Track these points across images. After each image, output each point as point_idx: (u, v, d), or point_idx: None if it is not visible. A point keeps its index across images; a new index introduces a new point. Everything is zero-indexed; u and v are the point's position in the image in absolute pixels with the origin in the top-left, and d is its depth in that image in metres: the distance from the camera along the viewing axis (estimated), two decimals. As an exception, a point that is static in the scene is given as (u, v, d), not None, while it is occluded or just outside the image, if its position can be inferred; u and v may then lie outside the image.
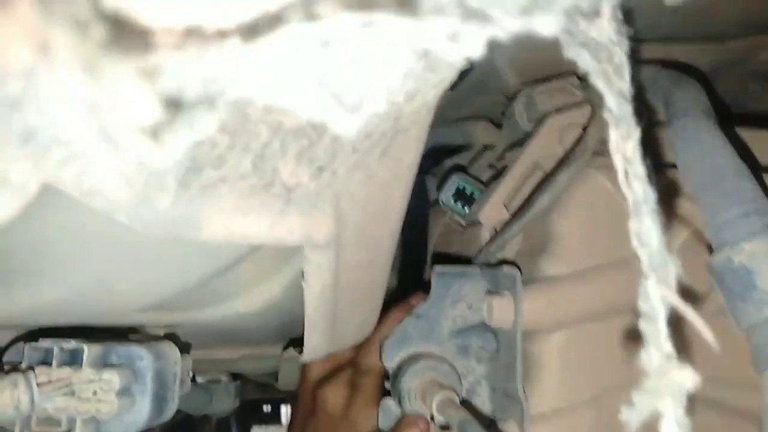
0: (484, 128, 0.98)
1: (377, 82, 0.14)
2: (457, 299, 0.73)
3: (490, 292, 0.71)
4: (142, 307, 0.45)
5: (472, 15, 0.14)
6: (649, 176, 0.22)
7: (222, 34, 0.12)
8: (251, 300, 0.49)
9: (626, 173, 0.22)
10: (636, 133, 0.22)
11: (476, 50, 0.14)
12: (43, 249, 0.36)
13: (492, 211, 0.77)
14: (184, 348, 0.52)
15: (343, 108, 0.14)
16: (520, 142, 0.85)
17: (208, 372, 1.03)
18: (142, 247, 0.34)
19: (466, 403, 0.67)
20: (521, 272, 0.69)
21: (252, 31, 0.12)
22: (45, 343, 0.44)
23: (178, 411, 0.50)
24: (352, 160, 0.34)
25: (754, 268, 0.37)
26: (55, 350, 0.44)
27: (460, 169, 0.96)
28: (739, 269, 0.37)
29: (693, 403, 0.21)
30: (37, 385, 0.42)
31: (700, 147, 0.47)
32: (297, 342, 0.70)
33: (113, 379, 0.43)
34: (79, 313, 0.43)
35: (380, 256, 0.48)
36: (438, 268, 0.72)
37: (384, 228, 0.46)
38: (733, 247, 0.38)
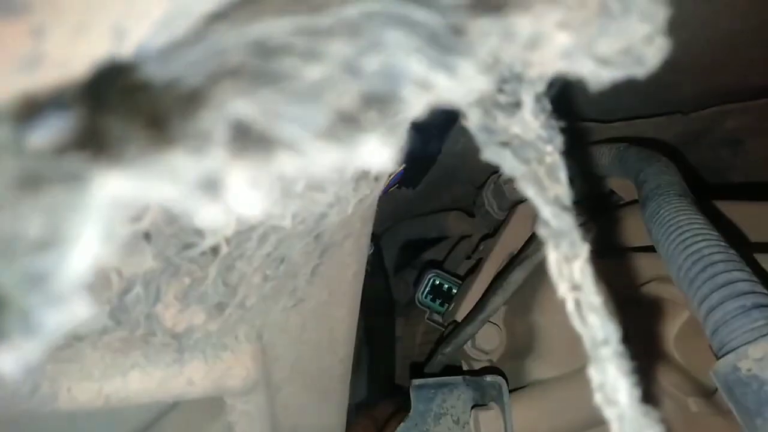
0: (456, 218, 0.94)
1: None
2: (440, 414, 0.65)
3: (476, 405, 0.63)
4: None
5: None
6: (607, 305, 0.16)
7: None
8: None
9: (577, 304, 0.17)
10: (583, 251, 0.17)
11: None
12: None
13: (469, 309, 0.71)
14: None
15: None
16: (495, 231, 0.81)
17: None
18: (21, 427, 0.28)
19: None
20: (506, 378, 0.61)
21: None
22: None
23: None
24: (266, 288, 0.29)
25: (766, 378, 0.30)
26: None
27: (436, 264, 0.91)
28: (749, 380, 0.31)
29: None
30: None
31: (680, 231, 0.42)
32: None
33: None
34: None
35: (331, 387, 0.41)
36: (416, 382, 0.65)
37: (330, 355, 0.39)
38: (736, 352, 0.32)
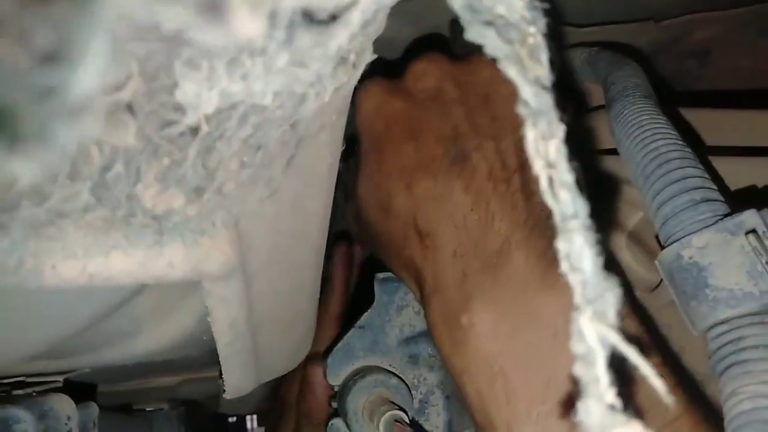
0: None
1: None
2: (402, 305, 0.69)
3: (438, 297, 0.67)
4: (23, 359, 0.38)
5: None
6: (579, 183, 0.18)
7: None
8: (158, 335, 0.43)
9: (550, 180, 0.18)
10: (559, 131, 0.18)
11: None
12: None
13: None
14: (87, 393, 0.45)
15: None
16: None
17: (148, 401, 0.96)
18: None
19: (415, 423, 0.63)
20: (468, 273, 0.65)
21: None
22: None
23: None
24: (243, 176, 0.29)
25: (705, 265, 0.33)
26: None
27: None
28: (689, 266, 0.34)
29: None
30: None
31: (641, 131, 0.43)
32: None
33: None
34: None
35: (305, 276, 0.43)
36: (380, 275, 0.68)
37: (304, 246, 0.41)
38: (681, 241, 0.35)
